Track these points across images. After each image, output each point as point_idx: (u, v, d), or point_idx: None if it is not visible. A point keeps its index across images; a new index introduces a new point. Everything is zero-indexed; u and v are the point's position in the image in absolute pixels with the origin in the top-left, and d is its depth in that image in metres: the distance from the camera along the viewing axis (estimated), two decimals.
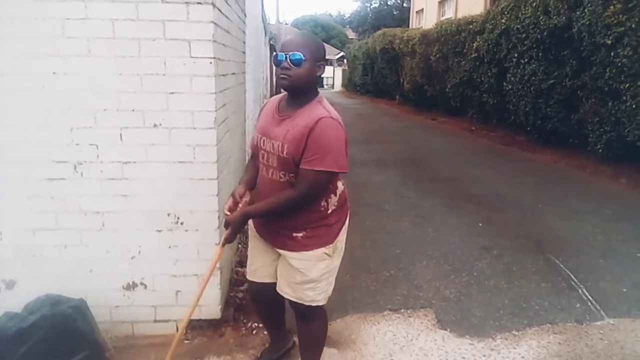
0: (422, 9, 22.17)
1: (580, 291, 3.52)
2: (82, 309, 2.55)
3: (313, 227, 2.10)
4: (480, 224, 4.96)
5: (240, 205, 2.18)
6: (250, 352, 2.76)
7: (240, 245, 4.01)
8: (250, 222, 2.31)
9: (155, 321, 2.85)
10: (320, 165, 1.93)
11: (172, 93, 2.60)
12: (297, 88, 2.03)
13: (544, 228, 4.84)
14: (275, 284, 2.29)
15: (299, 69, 1.97)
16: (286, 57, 1.97)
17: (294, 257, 2.14)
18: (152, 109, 2.61)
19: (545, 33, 8.15)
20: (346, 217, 2.26)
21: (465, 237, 4.61)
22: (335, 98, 25.79)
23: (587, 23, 7.01)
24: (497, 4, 10.62)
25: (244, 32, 4.58)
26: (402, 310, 3.30)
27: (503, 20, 9.61)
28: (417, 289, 3.61)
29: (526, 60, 8.87)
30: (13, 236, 2.67)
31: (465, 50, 11.53)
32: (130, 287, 2.80)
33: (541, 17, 8.23)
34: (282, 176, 2.05)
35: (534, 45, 8.56)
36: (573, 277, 3.73)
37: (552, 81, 8.20)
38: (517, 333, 3.03)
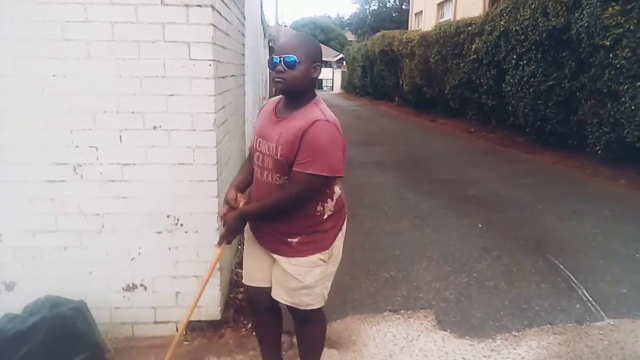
0: (421, 11, 22.21)
1: (580, 292, 3.52)
2: (82, 310, 2.55)
3: (308, 233, 2.06)
4: (479, 225, 4.96)
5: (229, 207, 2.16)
6: (250, 354, 2.76)
7: (239, 247, 4.01)
8: (247, 227, 2.27)
9: (155, 322, 2.85)
10: (312, 168, 1.89)
11: (172, 95, 2.61)
12: (293, 91, 2.00)
13: (544, 229, 4.84)
14: (271, 288, 2.25)
15: (294, 71, 1.94)
16: (281, 60, 1.93)
17: (289, 263, 2.09)
18: (152, 111, 2.62)
19: (544, 35, 8.17)
20: (343, 223, 2.21)
21: (464, 239, 4.62)
22: (334, 100, 25.83)
23: (585, 25, 7.03)
24: (495, 6, 10.63)
25: (243, 35, 4.59)
26: (402, 311, 3.30)
27: (502, 22, 9.63)
28: (417, 290, 3.61)
29: (525, 61, 8.89)
30: (13, 238, 2.67)
31: (464, 52, 11.55)
32: (130, 288, 2.80)
33: (540, 19, 8.25)
34: (278, 179, 2.02)
35: (533, 47, 8.57)
36: (573, 278, 3.73)
37: (551, 82, 8.22)
38: (517, 334, 3.03)
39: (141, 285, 2.80)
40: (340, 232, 2.19)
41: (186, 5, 2.53)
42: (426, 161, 8.48)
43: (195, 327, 2.91)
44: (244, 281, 2.39)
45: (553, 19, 7.90)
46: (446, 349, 2.88)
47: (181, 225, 2.75)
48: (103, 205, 2.68)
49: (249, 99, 5.77)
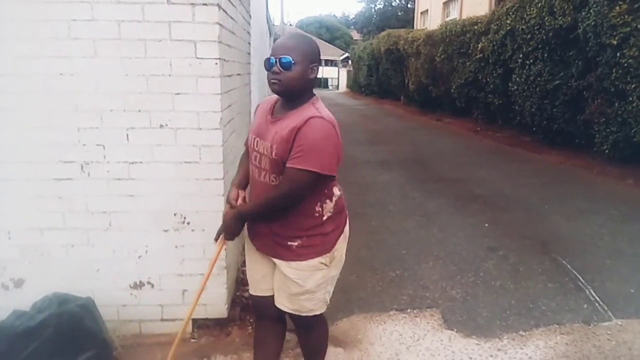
0: (427, 10, 22.14)
1: (587, 292, 3.50)
2: (89, 307, 2.57)
3: (309, 236, 2.02)
4: (486, 225, 4.95)
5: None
6: None
7: (246, 245, 4.01)
8: (247, 234, 2.24)
9: (162, 320, 2.86)
10: (303, 164, 1.85)
11: (178, 94, 2.62)
12: (289, 92, 1.96)
13: (550, 228, 4.82)
14: None
15: (290, 72, 1.90)
16: (276, 61, 1.89)
17: (289, 267, 2.05)
18: (158, 109, 2.63)
19: (550, 34, 8.12)
20: (344, 226, 2.16)
21: (470, 238, 4.60)
22: (339, 99, 25.81)
23: (592, 23, 6.98)
24: (502, 5, 10.59)
25: (248, 33, 4.59)
26: (409, 310, 3.30)
27: (508, 21, 9.58)
28: (423, 289, 3.60)
29: (531, 60, 8.84)
30: (21, 235, 2.69)
31: (470, 51, 11.51)
32: (137, 286, 2.81)
33: (546, 18, 8.20)
34: (274, 179, 1.98)
35: (540, 46, 8.53)
36: (580, 277, 3.71)
37: (557, 82, 8.17)
38: (524, 333, 3.02)
39: (148, 282, 2.81)
40: (342, 235, 2.13)
41: (192, 3, 2.53)
42: (432, 160, 8.46)
43: (202, 325, 2.92)
44: (250, 291, 2.35)
45: (560, 17, 7.85)
46: (453, 348, 2.88)
47: (188, 223, 2.75)
48: (110, 203, 2.70)
49: (255, 98, 5.78)
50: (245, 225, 2.18)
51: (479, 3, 14.73)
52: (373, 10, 40.50)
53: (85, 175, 2.65)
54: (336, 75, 45.38)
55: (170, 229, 2.76)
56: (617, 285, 3.59)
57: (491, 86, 10.62)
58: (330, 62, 46.52)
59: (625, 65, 6.44)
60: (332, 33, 52.99)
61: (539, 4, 8.47)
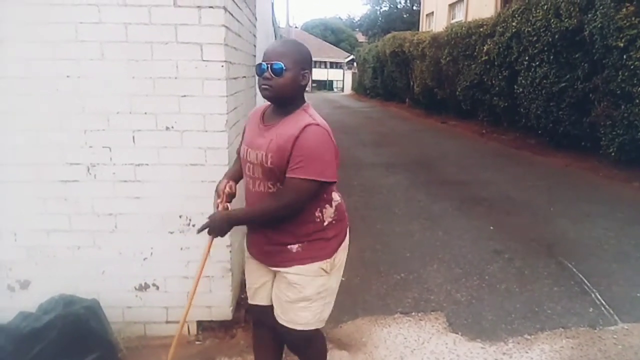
0: (432, 12, 22.13)
1: (593, 295, 3.48)
2: (95, 309, 2.58)
3: (310, 240, 1.99)
4: (491, 227, 4.93)
5: (219, 200, 2.07)
6: None
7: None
8: (245, 244, 2.19)
9: (167, 322, 2.87)
10: (305, 173, 1.83)
11: (184, 96, 2.63)
12: (280, 98, 1.94)
13: (556, 231, 4.80)
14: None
15: (280, 78, 1.87)
16: (268, 67, 1.87)
17: (290, 272, 2.00)
18: (164, 111, 2.64)
19: (556, 36, 8.10)
20: (345, 233, 2.13)
21: (476, 241, 4.59)
22: (344, 101, 25.82)
23: (599, 26, 6.96)
24: (507, 7, 10.56)
25: (254, 36, 4.60)
26: (413, 313, 3.29)
27: (514, 23, 9.56)
28: (428, 292, 3.60)
29: (537, 63, 8.81)
30: (27, 237, 2.71)
31: (475, 54, 11.48)
32: (143, 288, 2.82)
33: (552, 20, 8.18)
34: (271, 186, 1.94)
35: (545, 48, 8.50)
36: (586, 281, 3.69)
37: (563, 84, 8.15)
38: (529, 337, 3.01)
39: (153, 285, 2.82)
40: (343, 244, 2.10)
41: (198, 6, 2.54)
42: (437, 163, 8.44)
43: (207, 327, 2.93)
44: (249, 301, 2.30)
45: (566, 20, 7.83)
46: (457, 351, 2.87)
47: (193, 225, 2.76)
48: (116, 205, 2.71)
49: (260, 100, 5.79)
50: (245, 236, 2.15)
51: (485, 5, 14.71)
52: (378, 12, 40.49)
53: (92, 177, 2.67)
54: (341, 78, 45.41)
55: (175, 231, 2.77)
56: (623, 288, 3.57)
57: (497, 88, 10.59)
58: (335, 65, 46.58)
59: (632, 67, 6.41)
60: (337, 35, 53.02)
61: (545, 6, 8.45)
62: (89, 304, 2.57)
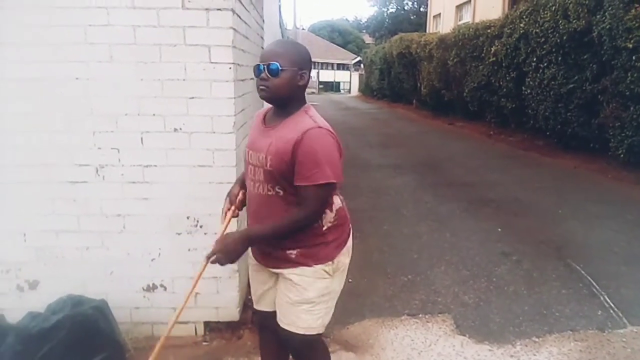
0: (440, 14, 22.08)
1: (602, 298, 3.46)
2: (103, 309, 2.59)
3: (309, 246, 1.96)
4: (499, 229, 4.91)
5: (232, 207, 2.07)
6: None
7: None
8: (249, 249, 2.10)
9: (175, 323, 2.87)
10: (322, 178, 1.81)
11: (192, 98, 2.64)
12: (278, 99, 1.92)
13: (565, 233, 4.77)
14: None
15: (277, 79, 1.85)
16: (264, 68, 1.85)
17: (293, 273, 1.98)
18: (173, 113, 2.65)
19: (564, 37, 8.06)
20: (347, 237, 2.09)
21: (483, 243, 4.57)
22: (351, 102, 25.81)
23: (607, 27, 6.92)
24: (515, 8, 10.53)
25: (262, 38, 4.62)
26: (420, 315, 3.29)
27: (522, 25, 9.52)
28: (435, 294, 3.58)
29: (545, 64, 8.77)
30: (36, 237, 2.73)
31: (483, 55, 11.44)
32: (150, 288, 2.83)
33: (560, 21, 8.14)
34: (271, 189, 1.91)
35: (554, 50, 8.46)
36: (594, 283, 3.67)
37: (572, 85, 8.10)
38: (537, 340, 2.99)
39: (161, 285, 2.84)
40: (346, 247, 2.06)
41: (206, 9, 2.56)
42: (444, 164, 8.42)
43: (214, 328, 2.94)
44: (255, 306, 2.28)
45: (574, 21, 7.79)
46: (465, 354, 2.86)
47: (200, 226, 2.77)
48: (124, 206, 2.73)
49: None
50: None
51: (492, 6, 14.66)
52: (385, 14, 40.45)
53: (100, 178, 2.69)
54: (348, 79, 45.41)
55: (183, 232, 2.78)
56: (632, 291, 3.54)
57: (504, 90, 10.55)
58: (342, 66, 46.58)
59: None
60: (345, 37, 53.00)
61: (553, 7, 8.41)
62: (97, 305, 2.58)
